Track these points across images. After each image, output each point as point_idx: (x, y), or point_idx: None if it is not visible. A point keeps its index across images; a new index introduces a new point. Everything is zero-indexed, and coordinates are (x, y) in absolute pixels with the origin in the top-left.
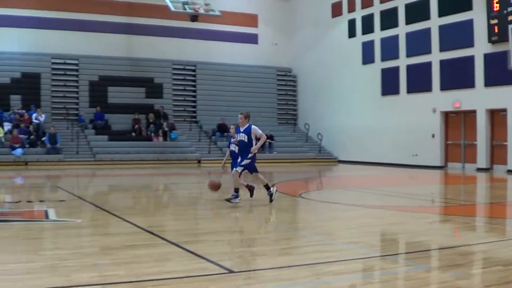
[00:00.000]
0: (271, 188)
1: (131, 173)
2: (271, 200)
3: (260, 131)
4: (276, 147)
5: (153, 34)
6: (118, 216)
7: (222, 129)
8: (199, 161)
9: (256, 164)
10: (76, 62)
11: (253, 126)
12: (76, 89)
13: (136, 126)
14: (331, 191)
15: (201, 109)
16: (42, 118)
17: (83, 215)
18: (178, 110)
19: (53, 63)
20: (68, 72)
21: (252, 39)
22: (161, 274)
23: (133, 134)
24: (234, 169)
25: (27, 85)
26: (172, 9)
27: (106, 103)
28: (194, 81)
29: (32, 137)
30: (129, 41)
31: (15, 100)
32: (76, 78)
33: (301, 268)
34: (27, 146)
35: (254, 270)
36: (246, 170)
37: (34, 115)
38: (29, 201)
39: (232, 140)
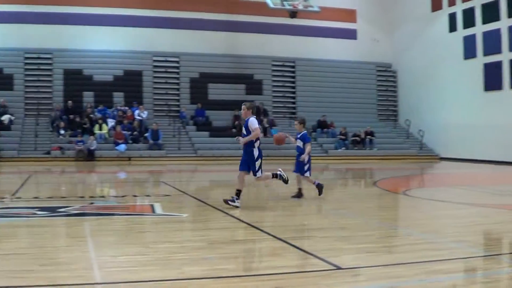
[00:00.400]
0: (278, 172)
1: (232, 169)
2: (286, 181)
3: (256, 125)
4: (376, 144)
5: (253, 31)
6: (223, 211)
7: (323, 125)
8: None
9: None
10: (177, 59)
11: (250, 119)
12: (177, 86)
13: (236, 122)
14: (435, 188)
15: (300, 105)
16: (145, 114)
17: (188, 209)
18: (277, 106)
19: (154, 60)
20: (169, 70)
21: (351, 34)
22: (270, 269)
23: (234, 130)
24: (255, 177)
25: (130, 83)
26: (271, 6)
27: (207, 100)
28: (293, 77)
29: (135, 133)
30: (229, 38)
31: (118, 98)
32: (177, 76)
33: (409, 266)
34: (130, 142)
35: (362, 267)
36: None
37: (136, 112)
38: (135, 196)
39: (297, 135)
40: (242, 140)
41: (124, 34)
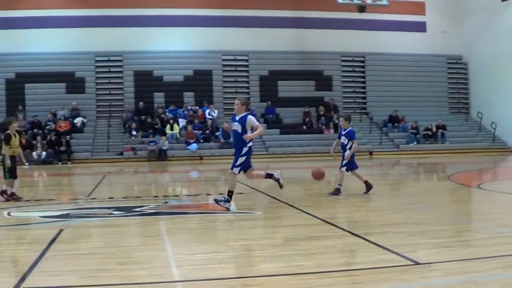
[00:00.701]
0: (275, 174)
1: (303, 166)
2: (280, 186)
3: (257, 122)
4: (448, 137)
5: (321, 27)
6: (297, 207)
7: (394, 120)
8: (370, 153)
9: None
10: (246, 57)
11: (249, 116)
12: (247, 84)
13: (307, 119)
14: (509, 181)
15: (371, 100)
16: (215, 113)
17: (262, 207)
18: (347, 102)
19: (224, 59)
20: (238, 68)
21: (420, 27)
22: (348, 265)
23: (304, 127)
24: (230, 171)
25: (200, 82)
26: (340, 1)
27: (277, 97)
28: (363, 72)
29: (206, 132)
30: (298, 35)
31: (188, 97)
32: (246, 74)
33: (488, 260)
34: (201, 141)
35: (440, 262)
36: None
37: (207, 111)
38: (209, 194)
39: (342, 132)
40: (248, 136)
41: (193, 34)
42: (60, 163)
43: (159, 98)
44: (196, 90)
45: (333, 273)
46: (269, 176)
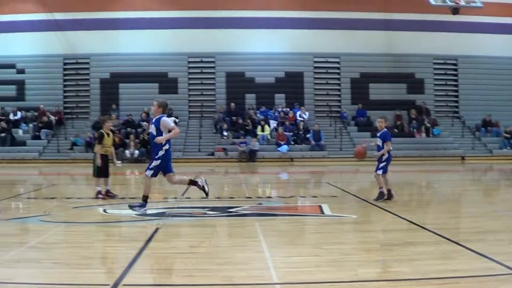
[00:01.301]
0: (199, 181)
1: (395, 170)
2: (206, 194)
3: (172, 124)
4: None
5: (412, 29)
6: (392, 212)
7: (487, 124)
8: (462, 158)
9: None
10: (337, 60)
11: (163, 118)
12: (338, 87)
13: (398, 122)
14: None
15: (463, 104)
16: (306, 115)
17: (356, 210)
18: (439, 105)
19: (315, 61)
20: (330, 70)
21: None
22: (446, 272)
23: (395, 130)
24: (144, 174)
25: (291, 84)
26: (433, 3)
27: (368, 100)
28: (455, 75)
29: (297, 134)
30: (388, 37)
31: (280, 99)
32: (337, 76)
33: None
34: (292, 143)
35: None
36: (169, 173)
37: (298, 113)
38: (302, 196)
39: (378, 134)
40: (161, 138)
41: (285, 36)
42: None
43: (250, 99)
44: (287, 92)
45: (432, 280)
46: (193, 183)
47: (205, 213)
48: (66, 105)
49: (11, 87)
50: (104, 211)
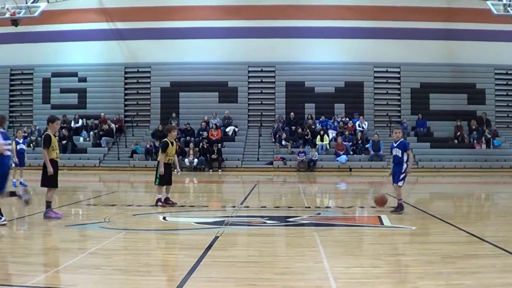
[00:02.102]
0: (16, 191)
1: (454, 181)
2: (25, 202)
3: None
4: None
5: (474, 39)
6: (451, 224)
7: None
8: None
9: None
10: (397, 69)
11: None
12: (398, 97)
13: (458, 133)
14: None
15: None
16: (365, 125)
17: (415, 221)
18: (500, 116)
19: (375, 71)
20: (390, 80)
21: None
22: (508, 286)
23: (455, 141)
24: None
25: (351, 94)
26: (495, 12)
27: (428, 110)
28: None
29: (356, 144)
30: (449, 47)
31: (339, 109)
32: (398, 86)
33: None
34: (351, 153)
35: None
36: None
37: (357, 123)
38: (361, 207)
39: (394, 144)
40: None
41: (345, 45)
42: (211, 170)
43: (310, 109)
44: (347, 102)
45: None
46: (12, 194)
47: (264, 222)
48: (126, 113)
49: (73, 95)
50: (164, 218)
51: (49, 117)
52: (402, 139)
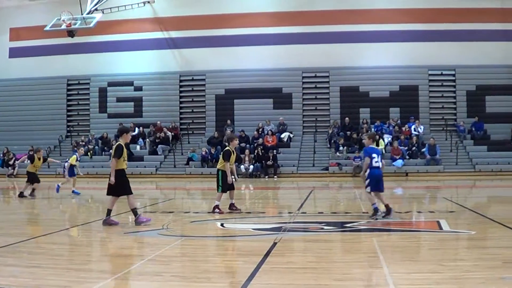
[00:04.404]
0: None
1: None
2: None
3: None
4: None
5: None
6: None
7: None
8: None
9: None
10: (453, 72)
11: None
12: (453, 100)
13: None
14: None
15: None
16: (421, 129)
17: (475, 226)
18: None
19: (430, 74)
20: (445, 83)
21: None
22: None
23: None
24: None
25: (405, 98)
26: None
27: (484, 113)
28: None
29: (413, 148)
30: (507, 48)
31: (394, 113)
32: (453, 89)
33: None
34: (407, 157)
35: None
36: None
37: (412, 127)
38: (419, 212)
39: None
40: None
41: (399, 49)
42: (266, 177)
43: (364, 113)
44: (402, 106)
45: None
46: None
47: (322, 228)
48: (182, 121)
49: (129, 103)
50: (222, 225)
51: (122, 128)
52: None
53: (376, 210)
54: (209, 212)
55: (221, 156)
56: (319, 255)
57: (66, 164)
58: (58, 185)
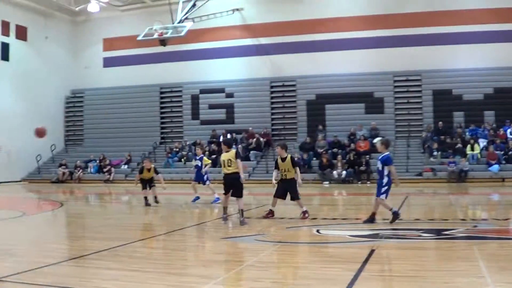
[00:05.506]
0: None
1: None
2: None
3: None
4: None
5: None
6: None
7: None
8: None
9: None
10: None
11: None
12: None
13: None
14: None
15: None
16: None
17: None
18: None
19: None
20: None
21: None
22: None
23: None
24: None
25: (501, 101)
26: None
27: None
28: None
29: (509, 153)
30: None
31: (489, 116)
32: None
33: None
34: (503, 162)
35: None
36: None
37: (508, 131)
38: None
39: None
40: None
41: (492, 50)
42: (359, 182)
43: (458, 117)
44: (497, 109)
45: None
46: None
47: (419, 236)
48: (273, 127)
49: (221, 110)
50: (317, 231)
51: (228, 140)
52: (387, 153)
53: (396, 214)
54: (303, 219)
55: (292, 164)
56: (418, 263)
57: (206, 168)
58: (217, 198)
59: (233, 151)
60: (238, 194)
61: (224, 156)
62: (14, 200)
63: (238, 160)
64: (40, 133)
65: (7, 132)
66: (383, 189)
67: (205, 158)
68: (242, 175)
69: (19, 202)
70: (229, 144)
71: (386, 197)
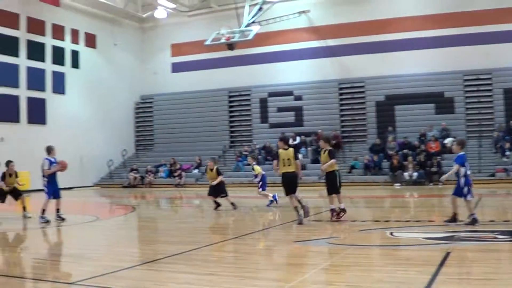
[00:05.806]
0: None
1: None
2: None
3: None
4: None
5: None
6: None
7: None
8: None
9: None
10: None
11: None
12: None
13: None
14: None
15: None
16: None
17: None
18: None
19: None
20: None
21: None
22: None
23: None
24: None
25: None
26: None
27: None
28: None
29: None
30: None
31: None
32: None
33: None
34: None
35: None
36: None
37: None
38: None
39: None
40: None
41: None
42: (431, 183)
43: None
44: None
45: None
46: None
47: (495, 237)
48: (343, 129)
49: (289, 113)
50: (391, 234)
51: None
52: (460, 153)
53: (475, 220)
54: (376, 221)
55: (329, 156)
56: (496, 265)
57: (257, 179)
58: (271, 201)
59: (291, 149)
60: (292, 190)
61: (284, 154)
62: (88, 205)
63: (297, 161)
64: (63, 166)
65: (80, 138)
66: (465, 190)
67: (256, 167)
68: (300, 174)
69: (92, 206)
70: (286, 140)
71: (472, 197)
